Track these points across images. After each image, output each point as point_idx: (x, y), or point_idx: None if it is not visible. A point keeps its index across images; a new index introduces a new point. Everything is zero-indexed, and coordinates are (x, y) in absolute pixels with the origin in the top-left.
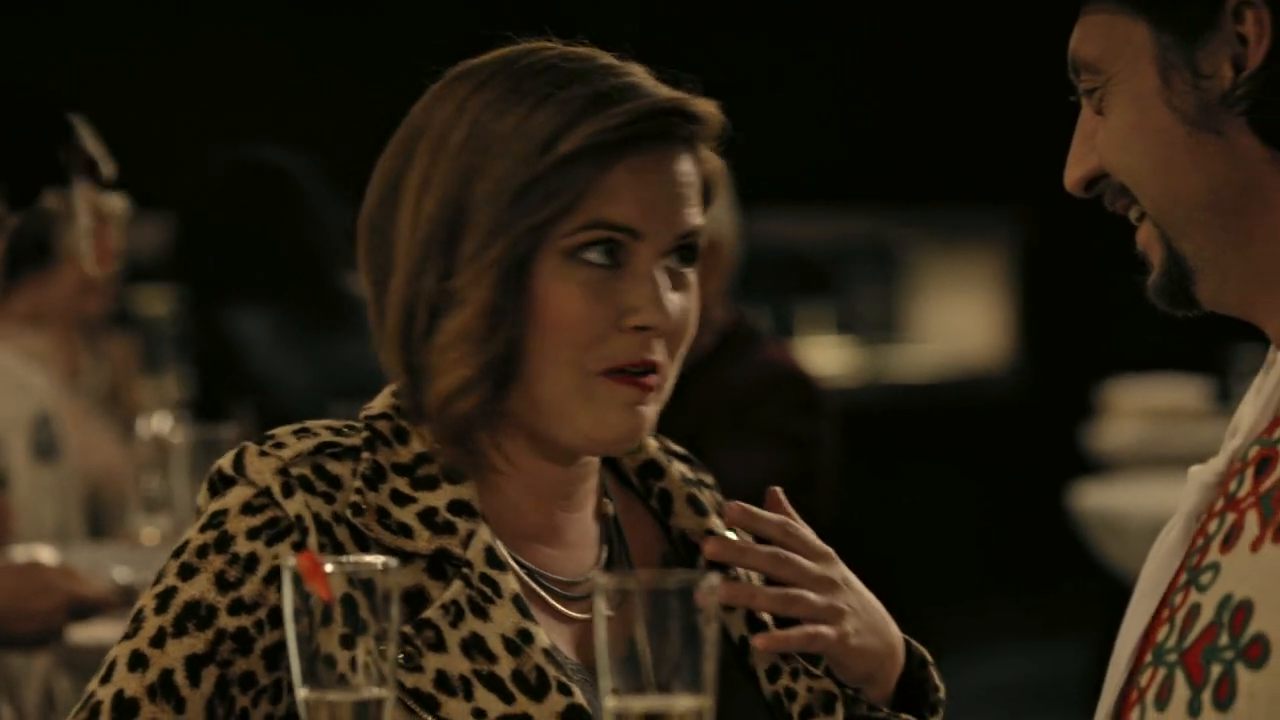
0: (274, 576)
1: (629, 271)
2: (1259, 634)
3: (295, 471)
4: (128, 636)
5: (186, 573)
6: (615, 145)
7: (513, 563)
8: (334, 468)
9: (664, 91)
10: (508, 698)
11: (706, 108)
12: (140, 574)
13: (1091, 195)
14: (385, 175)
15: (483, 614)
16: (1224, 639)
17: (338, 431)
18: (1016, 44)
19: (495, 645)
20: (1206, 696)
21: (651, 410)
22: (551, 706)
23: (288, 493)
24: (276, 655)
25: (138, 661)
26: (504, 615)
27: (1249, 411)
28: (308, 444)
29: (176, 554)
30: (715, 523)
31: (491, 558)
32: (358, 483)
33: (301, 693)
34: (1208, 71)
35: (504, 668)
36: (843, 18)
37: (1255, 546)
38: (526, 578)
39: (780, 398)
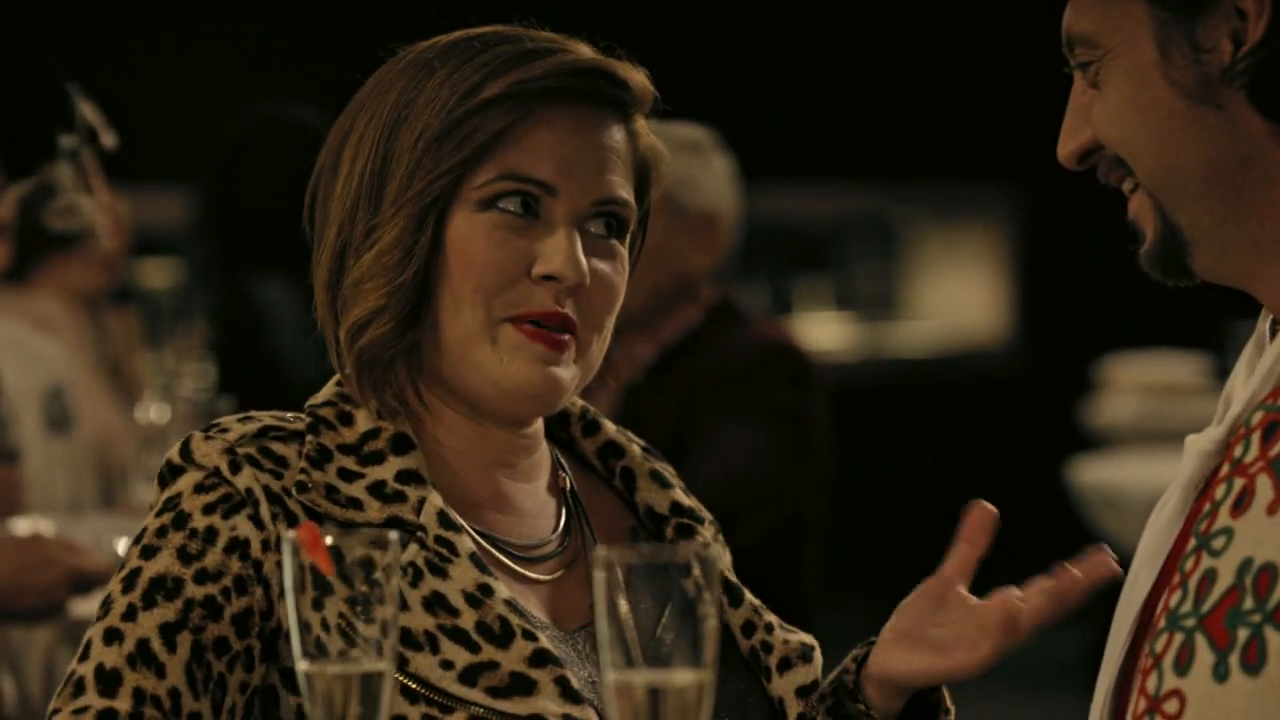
0: (234, 547)
1: (543, 224)
2: None
3: (241, 451)
4: (99, 619)
5: (148, 553)
6: (536, 96)
7: (466, 527)
8: (279, 449)
9: (592, 54)
10: (473, 648)
11: (634, 74)
12: None
13: (1085, 167)
14: (331, 144)
15: (441, 573)
16: (1249, 603)
17: (281, 419)
18: (1015, 20)
19: (456, 600)
20: (1234, 660)
21: (567, 373)
22: (518, 652)
23: (235, 470)
24: (245, 622)
25: (113, 636)
26: (462, 572)
27: (1243, 381)
28: (252, 427)
29: (136, 541)
30: (679, 495)
31: (445, 520)
32: (303, 463)
33: (301, 665)
34: (1207, 46)
35: (466, 620)
36: None
37: (1273, 510)
38: (482, 541)
39: (772, 372)
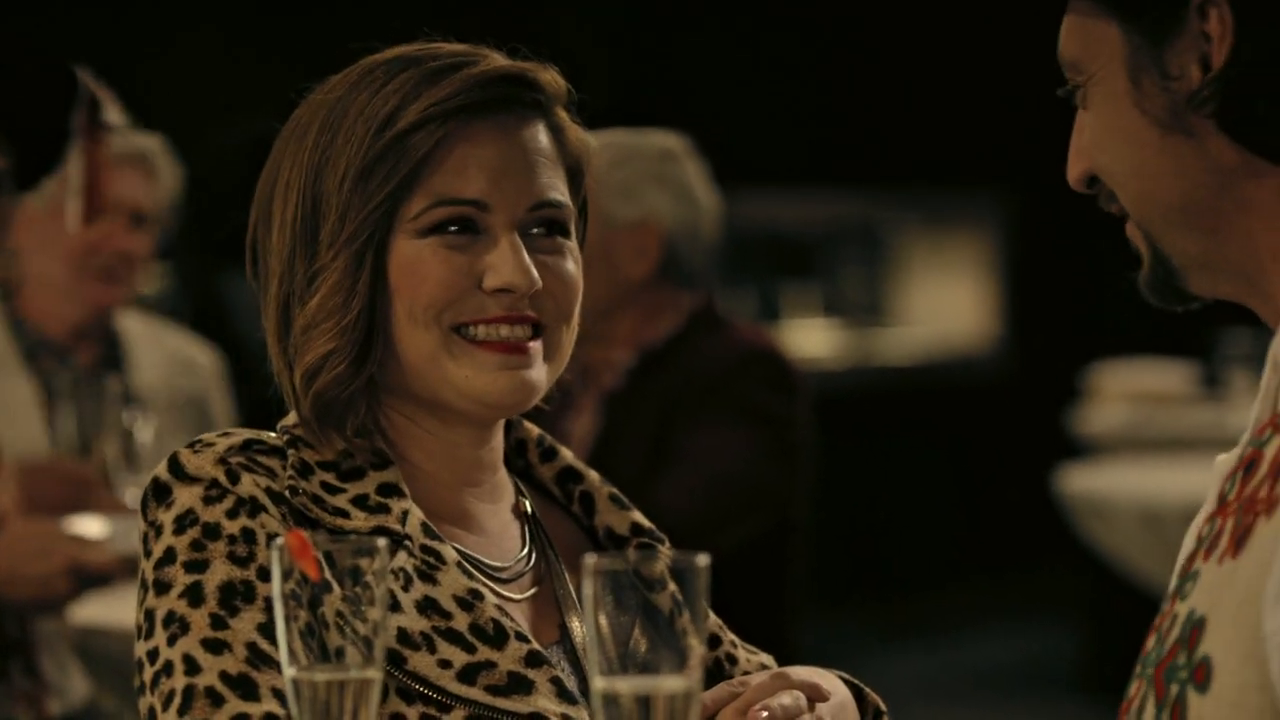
0: (271, 541)
1: (485, 237)
2: (1205, 656)
3: (233, 460)
4: (175, 637)
5: (197, 567)
6: (452, 116)
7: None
8: (265, 460)
9: (499, 62)
10: (469, 648)
11: (544, 74)
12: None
13: (1092, 192)
14: (260, 196)
15: (430, 580)
16: (1182, 657)
17: (259, 435)
18: (1003, 27)
19: (448, 604)
20: (1165, 718)
21: (536, 373)
22: (514, 653)
23: (233, 479)
24: None
25: (218, 646)
26: (451, 579)
27: (1256, 408)
28: (236, 440)
29: (164, 563)
30: (638, 517)
31: (429, 532)
32: (289, 473)
33: (289, 672)
34: (1175, 72)
35: (460, 622)
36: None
37: (1221, 559)
38: (460, 557)
39: (753, 375)
